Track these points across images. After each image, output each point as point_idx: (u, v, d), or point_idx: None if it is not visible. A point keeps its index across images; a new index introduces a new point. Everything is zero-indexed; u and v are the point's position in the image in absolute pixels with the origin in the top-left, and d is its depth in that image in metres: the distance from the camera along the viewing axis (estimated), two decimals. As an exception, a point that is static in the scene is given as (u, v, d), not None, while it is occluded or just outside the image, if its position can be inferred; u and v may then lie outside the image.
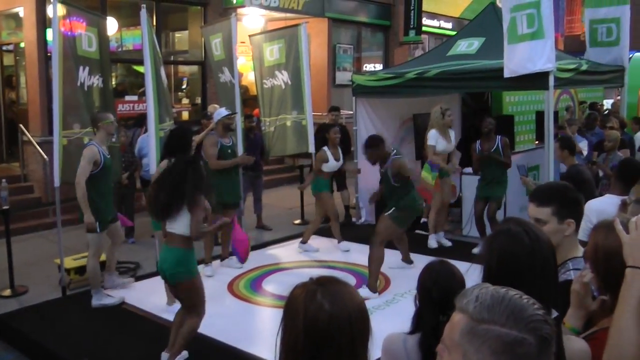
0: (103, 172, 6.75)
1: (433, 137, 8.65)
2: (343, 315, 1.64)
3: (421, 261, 7.23)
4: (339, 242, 8.86)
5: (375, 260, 6.89)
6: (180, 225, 4.94)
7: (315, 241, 8.97)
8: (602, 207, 4.29)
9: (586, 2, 11.52)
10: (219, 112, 8.01)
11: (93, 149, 6.67)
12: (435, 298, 2.79)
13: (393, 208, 6.96)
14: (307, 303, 1.66)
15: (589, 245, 2.33)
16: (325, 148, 8.60)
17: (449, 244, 8.82)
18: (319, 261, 8.36)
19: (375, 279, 6.88)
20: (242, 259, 7.19)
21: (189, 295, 5.10)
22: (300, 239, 8.88)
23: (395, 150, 7.19)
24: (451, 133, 8.88)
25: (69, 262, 7.66)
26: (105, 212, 6.90)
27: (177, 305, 5.53)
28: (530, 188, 7.83)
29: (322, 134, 9.06)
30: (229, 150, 7.84)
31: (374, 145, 7.11)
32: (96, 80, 7.62)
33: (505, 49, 7.82)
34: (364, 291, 6.55)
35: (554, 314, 1.94)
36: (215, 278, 7.53)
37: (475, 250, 7.95)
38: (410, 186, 7.10)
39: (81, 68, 7.37)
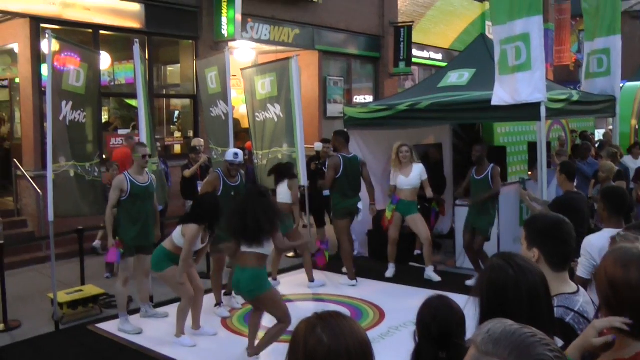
0: (132, 198, 7.07)
1: (391, 177, 8.86)
2: (341, 349, 1.64)
3: (415, 294, 7.30)
4: (310, 281, 8.64)
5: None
6: (259, 247, 5.73)
7: (318, 274, 8.84)
8: (602, 243, 4.04)
9: (585, 36, 11.66)
10: (227, 152, 7.90)
11: (120, 178, 7.16)
12: (435, 334, 2.78)
13: None
14: (307, 337, 1.68)
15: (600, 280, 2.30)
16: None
17: (437, 279, 8.59)
18: (313, 294, 8.32)
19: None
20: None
21: (271, 306, 5.83)
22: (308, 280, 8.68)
23: None
24: (415, 167, 8.65)
25: (62, 297, 7.62)
26: (135, 237, 7.08)
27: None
28: (526, 203, 7.88)
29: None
30: (232, 192, 7.60)
31: None
32: (78, 115, 7.66)
33: (496, 79, 7.92)
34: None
35: (559, 343, 1.98)
36: (210, 313, 7.47)
37: (469, 282, 7.95)
38: None
39: (64, 102, 7.43)
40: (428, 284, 8.18)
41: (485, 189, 8.20)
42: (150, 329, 7.06)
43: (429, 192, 8.78)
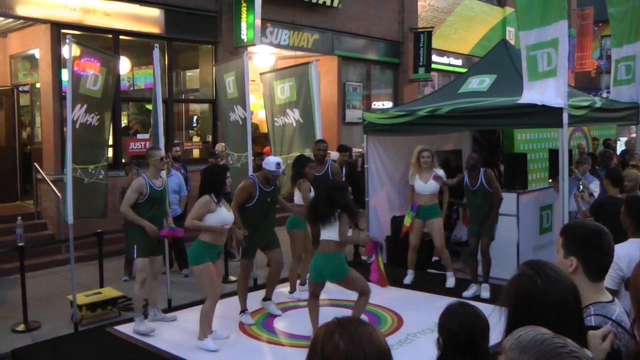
0: (149, 202, 7.04)
1: (409, 177, 8.74)
2: (357, 356, 1.62)
3: (434, 301, 7.25)
4: (290, 292, 8.44)
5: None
6: (334, 233, 6.20)
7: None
8: (629, 253, 3.99)
9: (612, 42, 11.51)
10: (268, 160, 7.48)
11: (140, 181, 7.07)
12: (462, 341, 2.76)
13: None
14: (325, 342, 1.67)
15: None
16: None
17: (451, 285, 8.46)
18: (329, 300, 8.25)
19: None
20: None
21: (355, 284, 6.41)
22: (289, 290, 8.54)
23: None
24: (437, 171, 8.50)
25: (81, 299, 7.69)
26: (146, 240, 7.04)
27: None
28: (578, 206, 7.83)
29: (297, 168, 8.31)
30: (268, 199, 7.37)
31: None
32: (90, 118, 7.68)
33: (525, 84, 7.84)
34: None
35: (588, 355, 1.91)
36: (226, 317, 7.46)
37: (466, 294, 7.90)
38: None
39: (78, 106, 7.46)
40: (446, 291, 8.10)
41: (483, 198, 7.99)
42: (168, 332, 7.06)
43: (446, 197, 8.70)
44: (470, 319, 2.83)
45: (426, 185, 8.49)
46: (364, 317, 7.01)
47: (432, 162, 8.52)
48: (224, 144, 11.35)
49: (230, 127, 9.71)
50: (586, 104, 8.28)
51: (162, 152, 7.39)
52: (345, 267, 6.37)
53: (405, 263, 8.88)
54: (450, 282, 8.52)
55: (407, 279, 8.81)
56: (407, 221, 8.74)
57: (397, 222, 9.73)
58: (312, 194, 7.94)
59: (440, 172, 8.55)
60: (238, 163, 9.36)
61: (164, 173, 7.66)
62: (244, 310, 7.41)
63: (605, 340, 2.14)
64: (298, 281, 8.53)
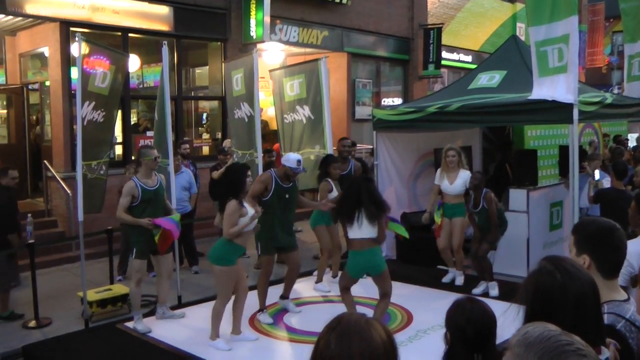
0: (143, 204, 6.97)
1: (436, 177, 8.65)
2: (344, 358, 1.62)
3: (443, 297, 7.21)
4: (316, 282, 8.53)
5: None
6: (373, 231, 6.22)
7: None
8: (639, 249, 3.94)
9: (624, 38, 11.42)
10: (289, 157, 7.36)
11: (130, 184, 6.99)
12: (470, 336, 2.76)
13: None
14: (320, 339, 1.69)
15: None
16: (329, 179, 8.32)
17: (459, 283, 8.48)
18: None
19: None
20: None
21: (387, 281, 6.52)
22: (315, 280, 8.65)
23: None
24: (461, 175, 8.32)
25: (92, 295, 7.74)
26: (146, 242, 7.00)
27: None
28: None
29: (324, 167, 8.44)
30: (286, 195, 7.27)
31: None
32: (97, 115, 7.68)
33: (535, 80, 7.79)
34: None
35: (605, 354, 1.92)
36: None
37: (476, 291, 7.85)
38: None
39: (86, 103, 7.44)
40: (456, 288, 8.08)
41: (486, 219, 7.88)
42: (178, 329, 7.05)
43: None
44: (477, 314, 2.83)
45: (452, 187, 8.36)
46: (370, 312, 6.99)
47: (458, 160, 8.38)
48: (230, 139, 11.34)
49: (235, 124, 9.65)
50: (597, 100, 8.21)
51: (156, 152, 7.27)
52: (384, 261, 6.57)
53: (415, 260, 8.83)
54: (459, 280, 8.51)
55: (447, 278, 8.67)
56: (437, 219, 8.59)
57: (407, 219, 9.70)
58: (334, 194, 8.05)
59: (468, 174, 8.30)
60: (242, 161, 9.24)
61: (172, 169, 7.65)
62: (262, 309, 7.32)
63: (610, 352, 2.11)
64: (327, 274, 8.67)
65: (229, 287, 6.44)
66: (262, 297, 7.32)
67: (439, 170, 8.63)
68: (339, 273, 8.44)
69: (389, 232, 9.83)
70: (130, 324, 7.15)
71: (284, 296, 7.65)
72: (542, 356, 1.27)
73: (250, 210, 6.43)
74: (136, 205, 6.96)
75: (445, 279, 8.69)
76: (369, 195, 6.22)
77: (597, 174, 8.62)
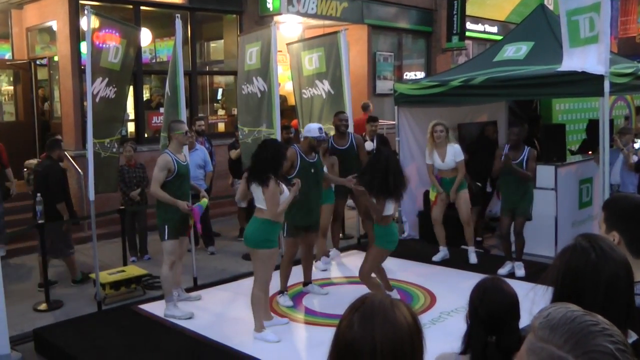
0: (177, 179, 6.69)
1: (426, 155, 8.52)
2: (366, 339, 1.55)
3: (468, 278, 6.97)
4: (315, 260, 8.13)
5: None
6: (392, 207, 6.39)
7: (347, 258, 8.72)
8: None
9: None
10: (310, 127, 7.16)
11: (166, 157, 6.65)
12: (483, 316, 2.69)
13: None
14: (342, 320, 1.63)
15: None
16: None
17: (473, 260, 8.33)
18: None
19: None
20: None
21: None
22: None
23: None
24: (449, 149, 8.24)
25: (105, 277, 7.61)
26: (179, 219, 6.73)
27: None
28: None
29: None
30: (312, 170, 6.99)
31: None
32: (109, 91, 7.48)
33: (565, 51, 7.52)
34: None
35: (633, 336, 1.83)
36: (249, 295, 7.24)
37: (501, 271, 7.67)
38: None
39: (99, 79, 7.25)
40: (481, 268, 7.81)
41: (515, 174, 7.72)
42: (195, 312, 6.83)
43: (460, 176, 8.29)
44: (491, 294, 2.75)
45: (444, 163, 8.29)
46: (395, 294, 6.79)
47: (446, 136, 8.24)
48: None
49: (244, 100, 9.18)
50: (630, 71, 7.89)
51: (186, 126, 7.06)
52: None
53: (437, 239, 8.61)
54: (472, 257, 8.35)
55: (438, 257, 8.53)
56: (432, 196, 8.56)
57: (429, 197, 9.46)
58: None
59: (457, 147, 8.28)
60: (249, 138, 8.89)
61: (186, 148, 7.41)
62: (283, 291, 7.10)
63: None
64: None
65: (270, 271, 6.14)
66: (284, 279, 7.09)
67: (427, 149, 8.49)
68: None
69: (410, 211, 9.71)
70: (145, 307, 6.98)
71: (307, 282, 7.44)
72: (568, 338, 1.21)
73: (283, 186, 6.10)
74: (171, 179, 6.63)
75: (436, 258, 8.53)
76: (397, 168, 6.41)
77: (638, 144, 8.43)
